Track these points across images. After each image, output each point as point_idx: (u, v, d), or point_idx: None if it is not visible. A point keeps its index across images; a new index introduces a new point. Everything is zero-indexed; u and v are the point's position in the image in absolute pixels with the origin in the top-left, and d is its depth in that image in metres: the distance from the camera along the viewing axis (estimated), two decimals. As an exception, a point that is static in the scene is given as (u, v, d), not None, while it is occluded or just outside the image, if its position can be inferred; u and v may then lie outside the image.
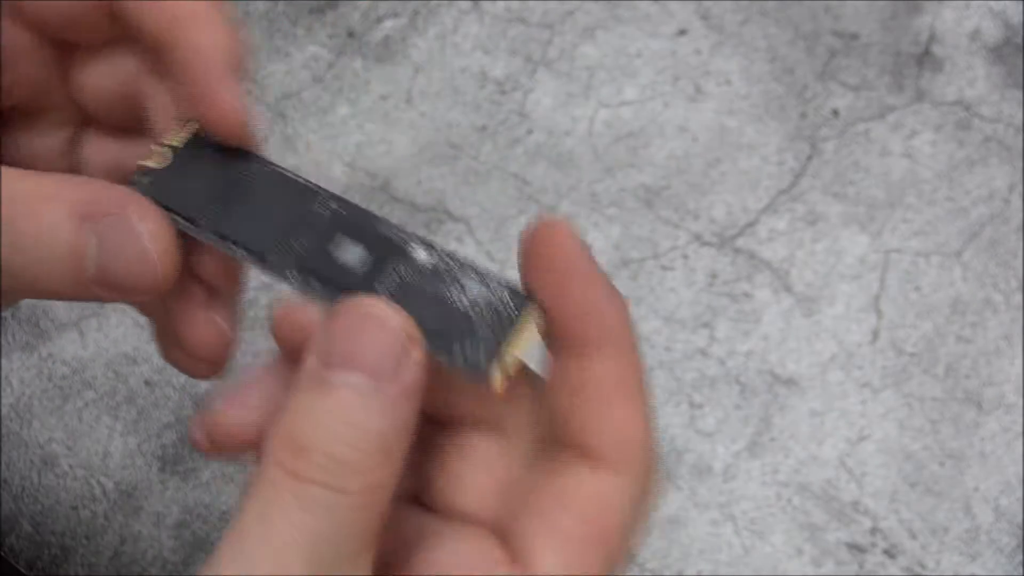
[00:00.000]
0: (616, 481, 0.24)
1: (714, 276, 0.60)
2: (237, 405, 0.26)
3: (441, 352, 0.24)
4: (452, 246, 0.55)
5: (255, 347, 0.50)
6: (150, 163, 0.26)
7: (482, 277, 0.25)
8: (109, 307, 0.59)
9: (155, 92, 0.27)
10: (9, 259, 0.24)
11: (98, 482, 0.55)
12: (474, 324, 0.24)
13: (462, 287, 0.25)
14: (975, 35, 0.66)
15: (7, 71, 0.28)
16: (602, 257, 0.60)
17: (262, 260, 0.25)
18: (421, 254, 0.25)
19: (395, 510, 0.24)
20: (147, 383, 0.58)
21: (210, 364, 0.27)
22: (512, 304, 0.24)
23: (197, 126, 0.27)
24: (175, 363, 0.28)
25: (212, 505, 0.55)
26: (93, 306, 0.59)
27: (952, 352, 0.58)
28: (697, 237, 0.61)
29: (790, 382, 0.57)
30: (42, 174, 0.24)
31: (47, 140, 0.29)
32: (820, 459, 0.55)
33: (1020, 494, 0.54)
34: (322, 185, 0.26)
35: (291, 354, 0.26)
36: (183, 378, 0.56)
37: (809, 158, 0.63)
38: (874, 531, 0.54)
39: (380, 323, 0.23)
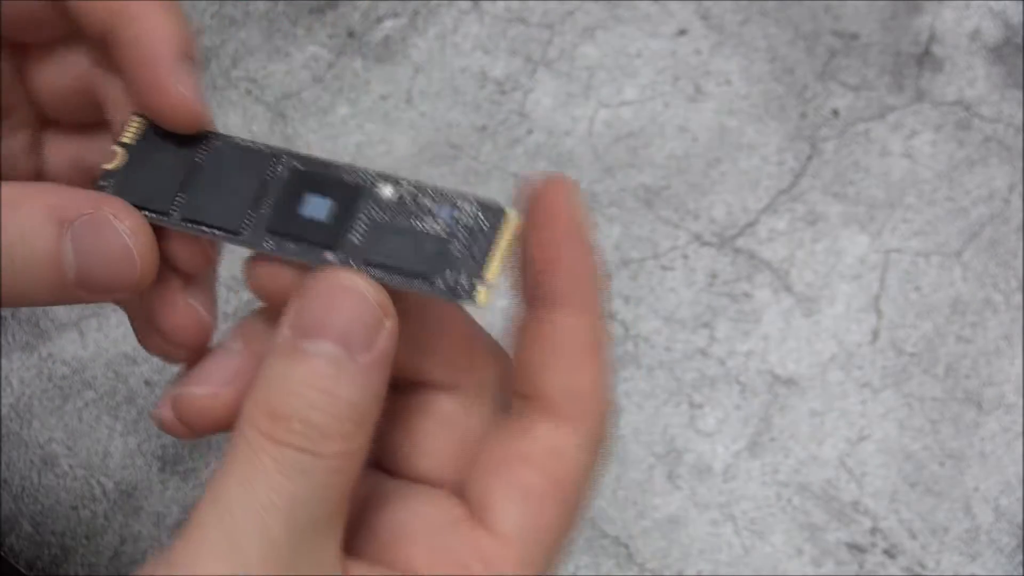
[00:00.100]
0: (573, 436, 0.25)
1: (714, 276, 0.60)
2: (204, 381, 0.26)
3: (423, 286, 0.24)
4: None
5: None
6: (110, 165, 0.27)
7: (451, 198, 0.25)
8: (109, 307, 0.59)
9: (109, 88, 0.28)
10: None
11: (98, 482, 0.55)
12: (451, 249, 0.24)
13: (432, 213, 0.25)
14: (975, 35, 0.66)
15: None
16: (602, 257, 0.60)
17: (236, 235, 0.26)
18: (386, 191, 0.25)
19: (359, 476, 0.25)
20: (147, 383, 0.58)
21: (189, 349, 0.27)
22: (484, 218, 0.25)
23: (147, 119, 0.27)
24: (153, 350, 0.28)
25: (212, 505, 0.55)
26: (93, 306, 0.59)
27: (952, 352, 0.58)
28: (697, 237, 0.61)
29: (790, 382, 0.57)
30: (10, 183, 0.24)
31: (8, 143, 0.29)
32: (820, 459, 0.55)
33: (1020, 494, 0.54)
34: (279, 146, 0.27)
35: (269, 303, 0.26)
36: (183, 378, 0.56)
37: (809, 158, 0.63)
38: (874, 531, 0.54)
39: (354, 294, 0.23)
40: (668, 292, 0.59)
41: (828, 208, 0.61)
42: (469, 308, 0.25)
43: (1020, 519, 0.54)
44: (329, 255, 0.25)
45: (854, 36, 0.66)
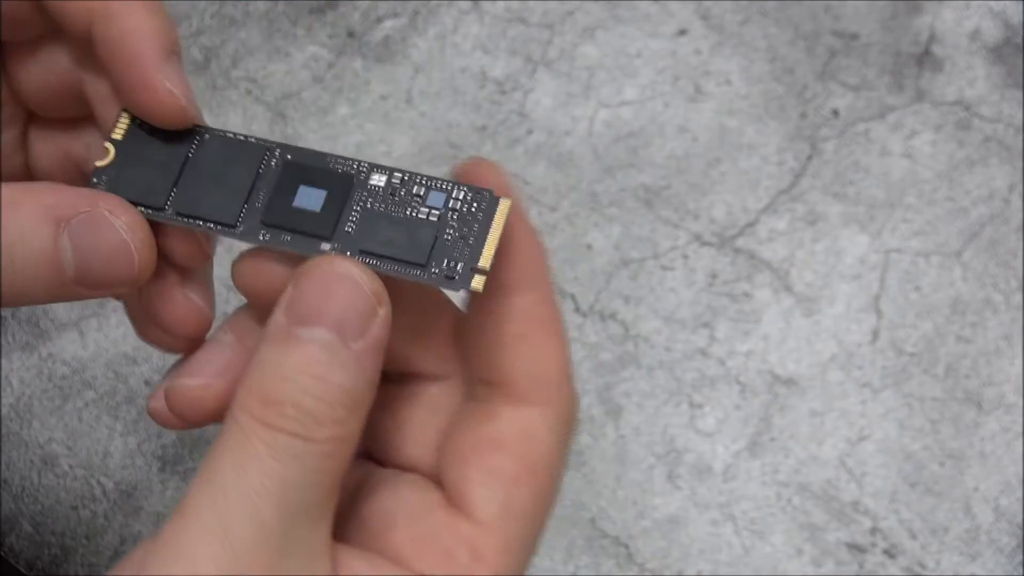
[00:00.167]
0: (542, 419, 0.25)
1: (714, 276, 0.60)
2: (196, 373, 0.27)
3: (419, 274, 0.24)
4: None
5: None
6: (102, 162, 0.27)
7: (441, 185, 0.25)
8: (109, 308, 0.59)
9: (95, 84, 0.28)
10: None
11: (98, 482, 0.55)
12: (445, 237, 0.25)
13: (424, 201, 0.25)
14: (975, 35, 0.66)
15: None
16: (602, 257, 0.60)
17: (233, 229, 0.26)
18: (377, 179, 0.26)
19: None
20: (147, 383, 0.58)
21: (188, 340, 0.28)
22: (477, 205, 0.25)
23: (133, 115, 0.27)
24: (152, 341, 0.28)
25: (212, 505, 0.55)
26: (93, 306, 0.59)
27: (952, 352, 0.58)
28: (697, 237, 0.61)
29: (790, 382, 0.57)
30: (6, 184, 0.25)
31: None
32: (820, 459, 0.55)
33: (1020, 494, 0.54)
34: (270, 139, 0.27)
35: (254, 301, 0.27)
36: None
37: (809, 158, 0.63)
38: (874, 531, 0.54)
39: (348, 282, 0.23)
40: (668, 292, 0.59)
41: (828, 208, 0.61)
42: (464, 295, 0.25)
43: (1020, 519, 0.54)
44: (325, 246, 0.25)
45: (854, 36, 0.66)
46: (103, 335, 0.59)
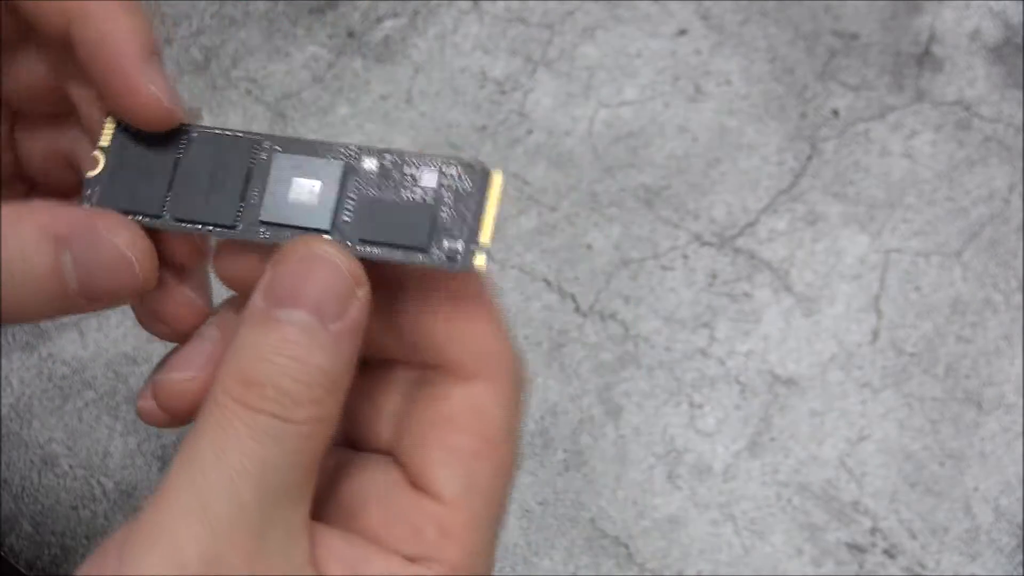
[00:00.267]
0: (492, 394, 0.25)
1: (714, 276, 0.60)
2: (182, 367, 0.27)
3: (422, 258, 0.24)
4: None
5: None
6: (92, 172, 0.26)
7: (432, 163, 0.25)
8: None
9: (77, 87, 0.27)
10: None
11: (98, 482, 0.55)
12: (442, 217, 0.25)
13: (417, 181, 0.25)
14: (975, 35, 0.66)
15: None
16: (602, 257, 0.60)
17: (232, 230, 0.26)
18: (369, 164, 0.25)
19: None
20: (147, 383, 0.58)
21: (189, 331, 0.28)
22: (468, 178, 0.25)
23: (117, 120, 0.27)
24: (159, 335, 0.28)
25: (212, 505, 0.55)
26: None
27: (952, 352, 0.58)
28: (697, 237, 0.61)
29: (790, 382, 0.57)
30: (4, 204, 0.25)
31: None
32: (820, 459, 0.55)
33: (1020, 494, 0.54)
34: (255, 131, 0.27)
35: (237, 290, 0.27)
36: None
37: (809, 158, 0.63)
38: (874, 531, 0.54)
39: (326, 264, 0.24)
40: (668, 292, 0.59)
41: (828, 208, 0.61)
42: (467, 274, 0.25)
43: (1020, 519, 0.54)
44: (326, 238, 0.25)
45: (854, 36, 0.66)
46: (103, 335, 0.59)
